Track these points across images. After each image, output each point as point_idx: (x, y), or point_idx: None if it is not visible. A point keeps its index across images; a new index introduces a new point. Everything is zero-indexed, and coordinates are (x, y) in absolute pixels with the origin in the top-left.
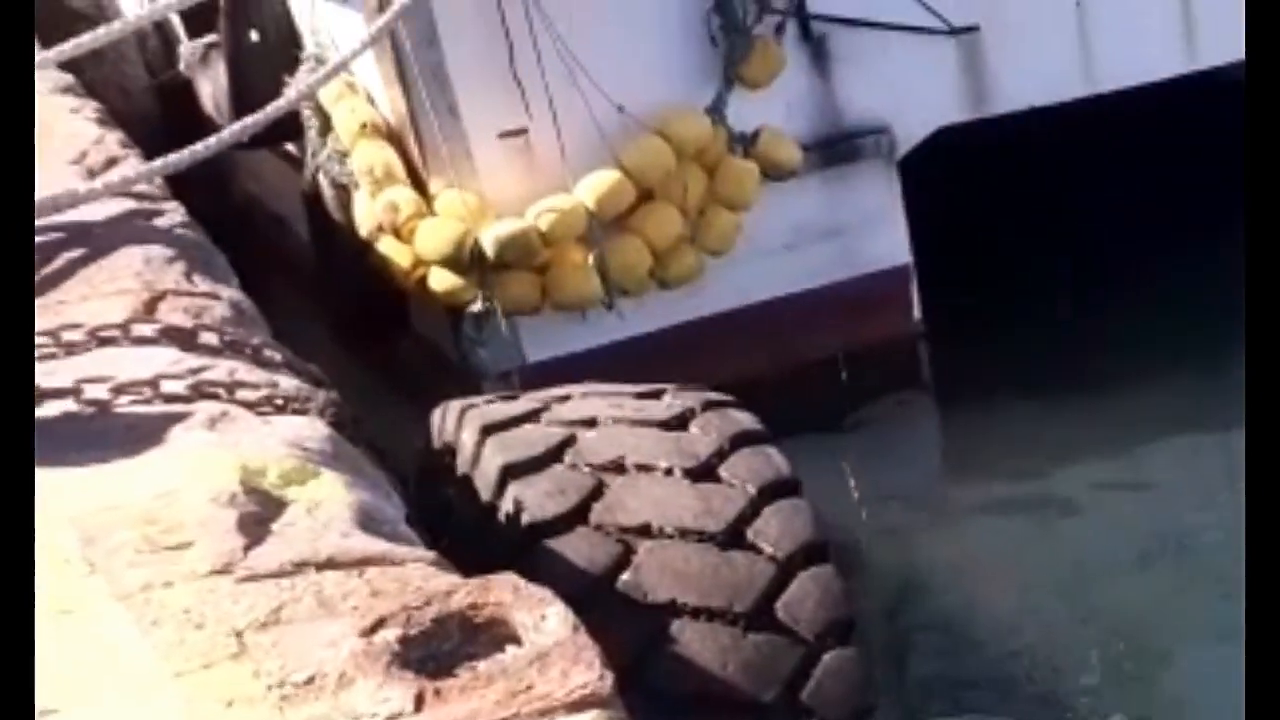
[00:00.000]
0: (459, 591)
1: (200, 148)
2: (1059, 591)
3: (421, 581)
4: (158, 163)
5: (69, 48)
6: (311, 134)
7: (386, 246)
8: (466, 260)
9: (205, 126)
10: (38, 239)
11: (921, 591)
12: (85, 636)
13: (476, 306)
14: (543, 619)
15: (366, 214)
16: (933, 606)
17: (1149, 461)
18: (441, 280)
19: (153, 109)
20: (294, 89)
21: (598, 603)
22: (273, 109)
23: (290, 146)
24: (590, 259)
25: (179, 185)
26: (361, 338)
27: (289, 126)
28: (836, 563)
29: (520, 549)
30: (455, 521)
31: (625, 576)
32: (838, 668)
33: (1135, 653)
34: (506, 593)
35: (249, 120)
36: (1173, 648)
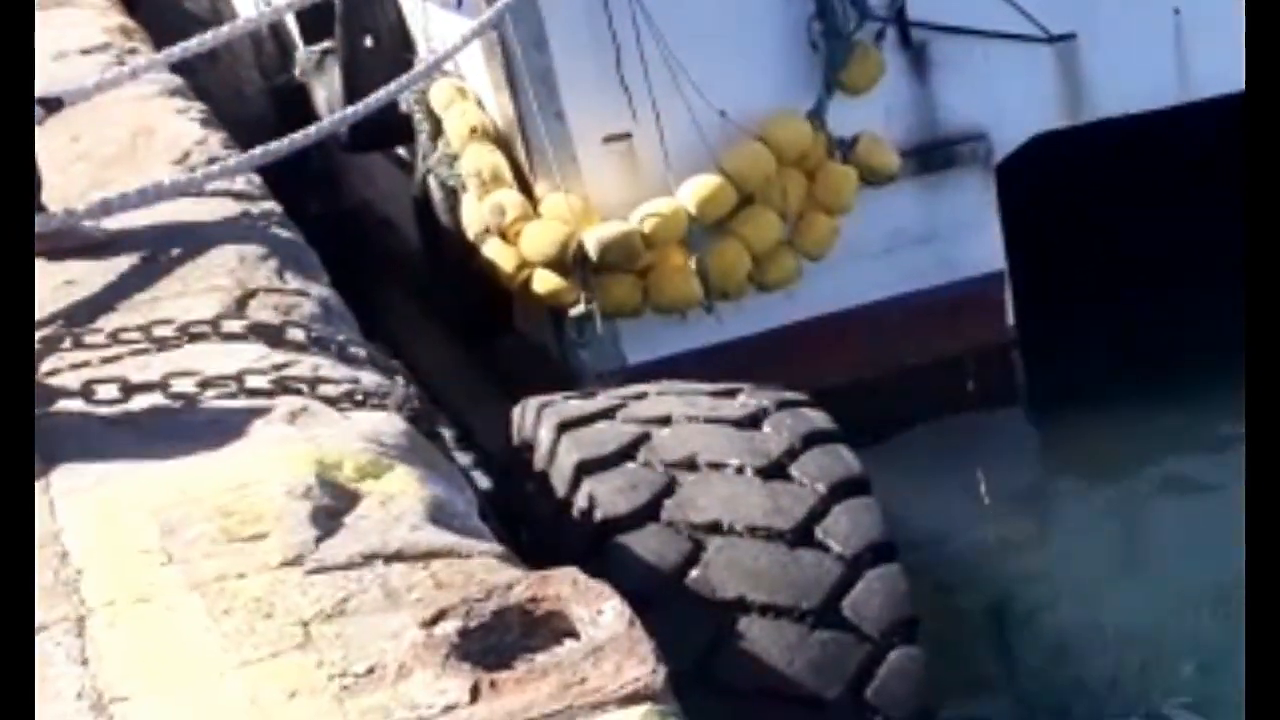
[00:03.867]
0: (519, 585)
1: (299, 136)
2: (1145, 605)
3: (485, 574)
4: (257, 150)
5: (177, 50)
6: (422, 138)
7: (492, 248)
8: (570, 262)
9: None
10: (137, 236)
11: (1006, 597)
12: (159, 625)
13: (579, 308)
14: (599, 613)
15: (474, 216)
16: (1016, 612)
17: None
18: (545, 282)
19: (266, 111)
20: (395, 84)
21: (667, 598)
22: (373, 99)
23: (401, 151)
24: (691, 262)
25: (294, 189)
26: (467, 337)
27: (401, 130)
28: (905, 563)
29: (593, 544)
30: (533, 516)
31: (695, 573)
32: (902, 666)
33: (1218, 664)
34: (565, 586)
35: (348, 110)
36: None
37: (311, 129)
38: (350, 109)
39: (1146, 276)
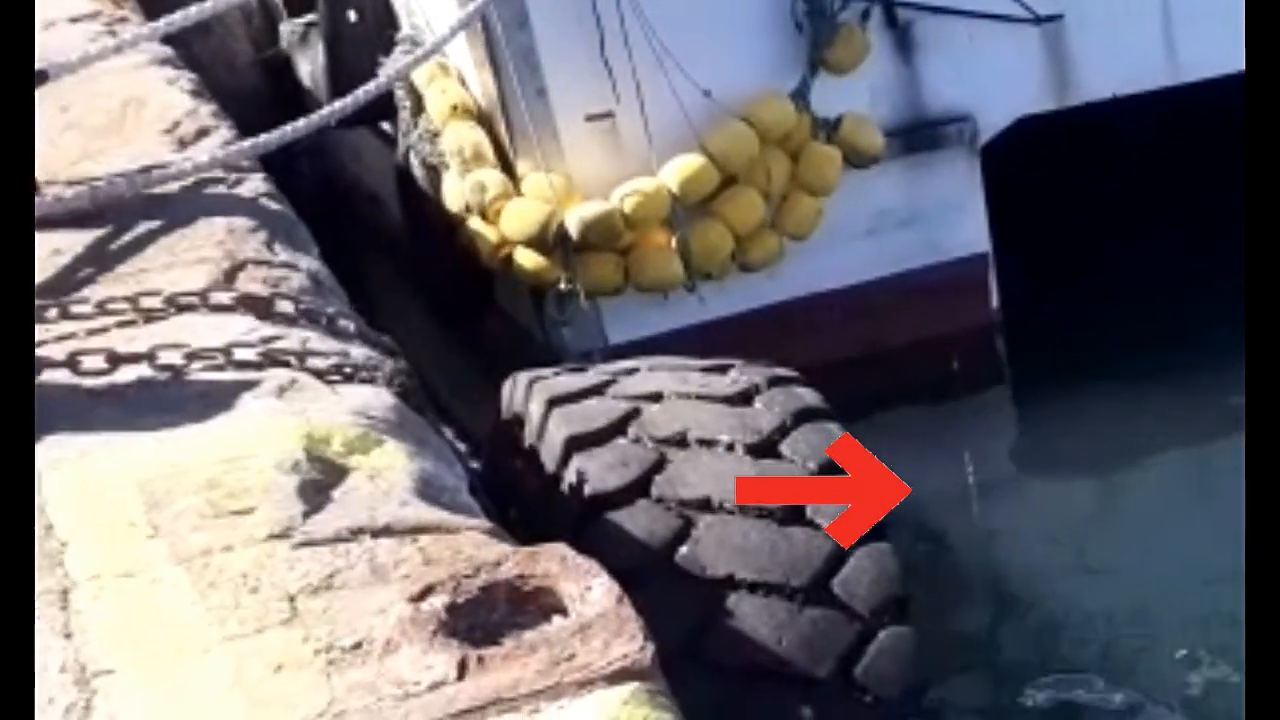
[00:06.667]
0: (507, 561)
1: (290, 129)
2: (1131, 584)
3: (473, 550)
4: (248, 143)
5: (162, 25)
6: (404, 114)
7: (473, 226)
8: (551, 241)
9: (305, 101)
10: (125, 206)
11: (995, 576)
12: (144, 599)
13: (560, 287)
14: (588, 590)
15: (455, 194)
16: (1005, 590)
17: (1233, 456)
18: (526, 260)
19: (257, 83)
20: (387, 71)
21: (657, 575)
22: (363, 92)
23: (385, 125)
24: (673, 242)
25: (283, 163)
26: (449, 314)
27: (384, 106)
28: (894, 541)
29: (582, 520)
30: (522, 492)
31: (684, 550)
32: (892, 645)
33: (1209, 648)
34: (554, 563)
35: (338, 104)
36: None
37: (300, 122)
38: (340, 103)
39: (1132, 258)
